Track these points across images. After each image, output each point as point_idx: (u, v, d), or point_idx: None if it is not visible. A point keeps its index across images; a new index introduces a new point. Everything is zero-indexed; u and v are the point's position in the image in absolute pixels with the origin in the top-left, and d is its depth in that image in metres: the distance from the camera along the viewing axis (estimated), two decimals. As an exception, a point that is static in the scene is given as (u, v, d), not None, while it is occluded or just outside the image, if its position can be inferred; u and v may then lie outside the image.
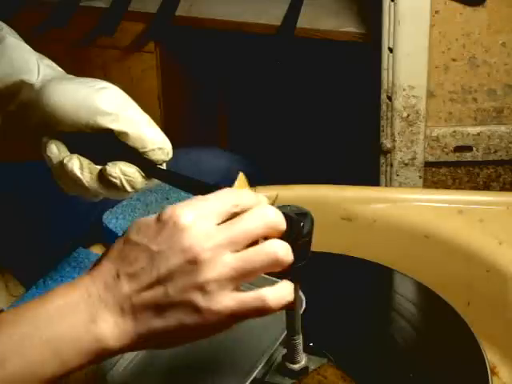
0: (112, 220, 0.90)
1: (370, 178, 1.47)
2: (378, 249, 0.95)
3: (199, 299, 0.60)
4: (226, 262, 0.61)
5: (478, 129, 1.38)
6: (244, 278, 0.63)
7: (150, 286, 0.61)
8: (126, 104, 0.79)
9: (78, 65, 1.63)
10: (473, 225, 0.93)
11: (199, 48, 1.77)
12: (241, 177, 0.71)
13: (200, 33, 1.61)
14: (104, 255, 0.63)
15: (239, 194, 0.64)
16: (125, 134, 0.78)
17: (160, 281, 0.61)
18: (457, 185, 1.45)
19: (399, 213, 0.96)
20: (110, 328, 0.61)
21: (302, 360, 0.77)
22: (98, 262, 0.63)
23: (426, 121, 1.37)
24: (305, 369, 0.77)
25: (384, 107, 1.39)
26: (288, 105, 1.95)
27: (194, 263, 0.60)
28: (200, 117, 1.87)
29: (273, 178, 1.10)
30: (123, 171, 0.78)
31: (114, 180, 0.77)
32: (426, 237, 0.94)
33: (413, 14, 1.29)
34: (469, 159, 1.41)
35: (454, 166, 1.43)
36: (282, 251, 0.62)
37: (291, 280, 0.67)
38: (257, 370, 0.75)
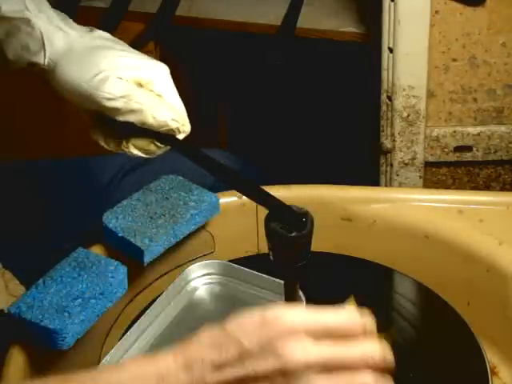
0: (112, 220, 0.90)
1: (370, 178, 1.47)
2: (378, 249, 0.95)
3: None
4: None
5: (478, 129, 1.38)
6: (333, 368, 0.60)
7: (232, 382, 0.59)
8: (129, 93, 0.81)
9: (78, 65, 1.63)
10: (473, 225, 0.93)
11: (199, 48, 1.77)
12: (351, 300, 0.70)
13: (200, 33, 1.61)
14: (196, 336, 0.62)
15: (353, 318, 0.63)
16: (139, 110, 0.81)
17: (244, 379, 0.59)
18: (457, 185, 1.45)
19: (399, 213, 0.96)
20: None
21: (302, 360, 0.77)
22: (187, 341, 0.61)
23: (426, 121, 1.37)
24: (305, 369, 0.77)
25: (384, 107, 1.38)
26: (288, 105, 1.95)
27: (283, 373, 0.58)
28: (200, 117, 1.87)
29: (273, 178, 1.10)
30: (137, 146, 0.81)
31: (132, 153, 0.82)
32: (426, 237, 0.94)
33: (413, 14, 1.29)
34: (469, 159, 1.41)
35: (454, 165, 1.43)
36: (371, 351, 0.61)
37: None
38: (257, 370, 0.75)
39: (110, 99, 0.80)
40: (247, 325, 0.60)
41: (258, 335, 0.59)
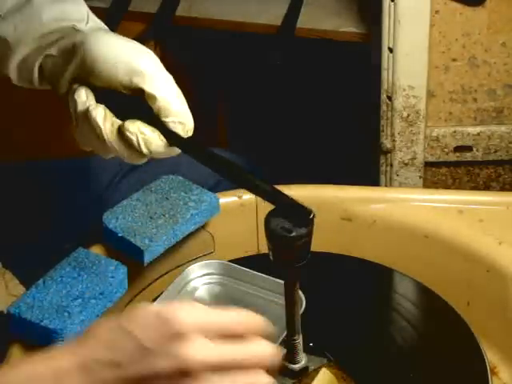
0: (112, 220, 0.90)
1: (370, 178, 1.47)
2: (378, 249, 0.95)
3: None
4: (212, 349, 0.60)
5: (478, 129, 1.38)
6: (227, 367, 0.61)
7: (133, 381, 0.60)
8: (161, 71, 0.81)
9: (78, 65, 1.63)
10: (473, 225, 0.93)
11: (199, 48, 1.77)
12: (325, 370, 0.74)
13: (200, 33, 1.61)
14: (92, 332, 0.61)
15: (243, 317, 0.64)
16: (153, 97, 0.79)
17: (144, 378, 0.59)
18: (457, 185, 1.45)
19: (399, 213, 0.96)
20: None
21: (302, 360, 0.77)
22: (84, 337, 0.61)
23: (426, 121, 1.37)
24: (305, 369, 0.77)
25: (384, 107, 1.38)
26: (288, 105, 1.95)
27: (182, 373, 0.59)
28: (200, 117, 1.87)
29: (273, 178, 1.10)
30: (141, 129, 0.78)
31: (131, 136, 0.78)
32: (426, 237, 0.94)
33: (413, 13, 1.29)
34: (469, 159, 1.41)
35: (454, 165, 1.43)
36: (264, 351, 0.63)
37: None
38: (257, 370, 0.75)
39: (142, 72, 0.79)
40: (144, 322, 0.60)
41: (155, 333, 0.59)
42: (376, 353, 0.82)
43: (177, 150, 0.80)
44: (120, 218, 0.90)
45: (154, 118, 0.79)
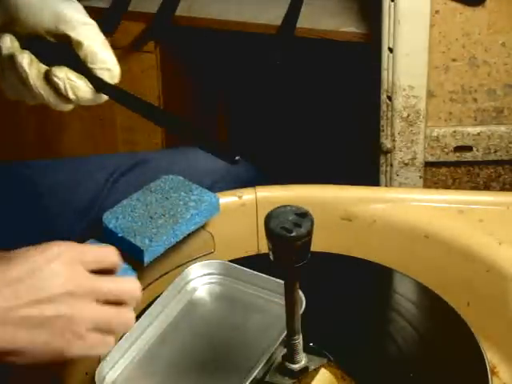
0: (112, 220, 0.90)
1: (370, 178, 1.47)
2: (378, 249, 0.95)
3: (66, 328, 0.67)
4: (97, 308, 0.69)
5: (477, 129, 1.38)
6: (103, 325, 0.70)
7: (29, 305, 0.66)
8: (88, 20, 0.81)
9: (78, 65, 1.63)
10: (473, 225, 0.93)
11: (199, 48, 1.77)
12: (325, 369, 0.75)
13: (200, 33, 1.61)
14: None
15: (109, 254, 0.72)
16: (80, 44, 0.79)
17: (39, 301, 0.66)
18: (457, 185, 1.45)
19: (399, 213, 0.96)
20: None
21: (302, 360, 0.77)
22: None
23: (426, 121, 1.37)
24: (305, 369, 0.77)
25: (384, 107, 1.38)
26: (288, 105, 1.95)
27: (71, 296, 0.67)
28: (200, 117, 1.87)
29: (273, 178, 1.10)
30: (68, 76, 0.78)
31: (58, 81, 0.78)
32: (426, 237, 0.94)
33: (413, 13, 1.29)
34: (469, 159, 1.41)
35: (454, 165, 1.43)
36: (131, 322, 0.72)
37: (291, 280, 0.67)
38: (257, 370, 0.75)
39: (69, 19, 0.79)
40: (30, 252, 0.68)
41: (43, 260, 0.68)
42: (376, 353, 0.82)
43: (104, 97, 0.81)
44: (120, 218, 0.90)
45: (80, 65, 0.79)
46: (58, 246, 0.69)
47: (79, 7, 0.82)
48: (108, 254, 0.72)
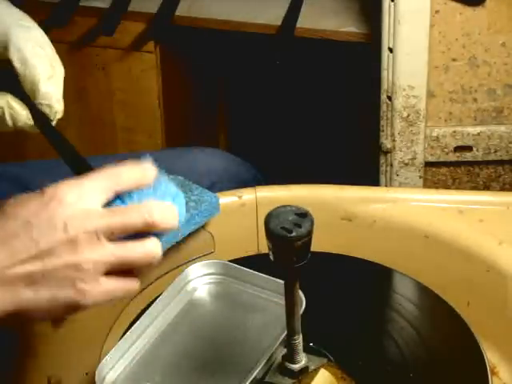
0: None
1: (370, 178, 1.47)
2: (378, 249, 0.95)
3: (75, 277, 0.63)
4: (106, 249, 0.64)
5: (478, 129, 1.38)
6: (119, 267, 0.65)
7: (27, 261, 0.63)
8: (36, 48, 0.79)
9: (77, 65, 1.63)
10: (473, 225, 0.93)
11: (199, 48, 1.77)
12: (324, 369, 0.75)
13: (200, 33, 1.61)
14: None
15: (122, 173, 0.67)
16: (22, 75, 0.77)
17: (38, 255, 0.63)
18: (457, 185, 1.45)
19: (399, 213, 0.96)
20: None
21: (302, 360, 0.77)
22: None
23: (426, 121, 1.37)
24: (305, 369, 0.77)
25: (384, 107, 1.38)
26: (288, 105, 1.95)
27: (73, 243, 0.63)
28: (200, 117, 1.87)
29: (273, 178, 1.10)
30: (10, 104, 0.77)
31: None
32: (426, 237, 0.94)
33: (413, 13, 1.29)
34: (469, 159, 1.41)
35: (454, 165, 1.43)
36: (155, 250, 0.66)
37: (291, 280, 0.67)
38: (257, 370, 0.75)
39: (16, 46, 0.77)
40: (29, 204, 0.64)
41: (42, 212, 0.63)
42: (376, 353, 0.82)
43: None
44: None
45: (24, 96, 0.78)
46: (55, 186, 0.65)
47: (34, 32, 0.79)
48: (113, 183, 0.66)
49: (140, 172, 0.67)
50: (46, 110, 0.78)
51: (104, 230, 0.64)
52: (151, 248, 0.66)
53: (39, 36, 0.80)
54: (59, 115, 0.79)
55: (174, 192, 0.70)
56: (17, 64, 0.77)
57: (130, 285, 0.67)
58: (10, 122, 0.77)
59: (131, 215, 0.65)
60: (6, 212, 0.64)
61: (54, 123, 0.79)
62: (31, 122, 0.78)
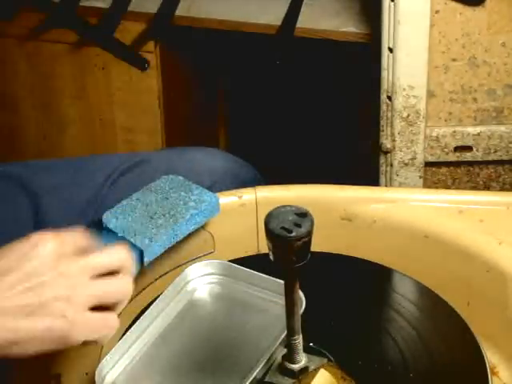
0: (112, 220, 0.90)
1: (370, 178, 1.47)
2: (378, 249, 0.95)
3: (66, 308, 0.69)
4: (94, 284, 0.71)
5: (478, 129, 1.38)
6: (103, 302, 0.72)
7: (24, 292, 0.68)
8: None
9: (78, 65, 1.63)
10: (473, 225, 0.93)
11: (199, 48, 1.77)
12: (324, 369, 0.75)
13: (200, 33, 1.61)
14: None
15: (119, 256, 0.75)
16: None
17: (33, 288, 0.68)
18: (457, 185, 1.45)
19: (399, 213, 0.96)
20: None
21: (302, 360, 0.77)
22: None
23: (425, 121, 1.37)
24: (305, 369, 0.77)
25: (384, 107, 1.38)
26: (288, 105, 1.95)
27: (65, 277, 0.69)
28: (200, 117, 1.87)
29: (273, 178, 1.10)
30: None
31: None
32: (426, 237, 0.94)
33: (413, 14, 1.29)
34: (469, 159, 1.41)
35: (454, 165, 1.43)
36: (130, 286, 0.75)
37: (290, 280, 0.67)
38: (257, 370, 0.75)
39: None
40: (20, 248, 0.70)
41: (33, 253, 0.70)
42: (376, 353, 0.82)
43: None
44: (120, 218, 0.90)
45: None
46: (40, 233, 0.71)
47: None
48: (80, 239, 0.74)
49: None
50: None
51: (91, 267, 0.71)
52: (127, 283, 0.74)
53: None
54: None
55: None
56: None
57: (113, 319, 0.72)
58: None
59: (111, 256, 0.74)
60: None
61: None
62: None
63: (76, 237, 0.74)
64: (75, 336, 0.69)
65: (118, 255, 0.74)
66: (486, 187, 1.44)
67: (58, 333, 0.68)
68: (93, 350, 0.83)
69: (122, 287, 0.73)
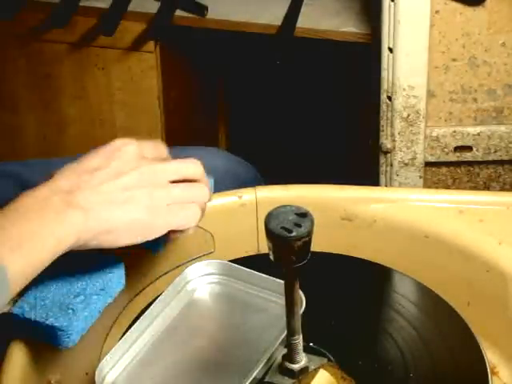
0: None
1: (370, 178, 1.47)
2: (378, 249, 0.95)
3: (148, 199, 0.76)
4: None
5: (478, 129, 1.38)
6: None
7: (111, 186, 0.75)
8: None
9: (78, 65, 1.63)
10: (473, 225, 0.93)
11: (199, 48, 1.77)
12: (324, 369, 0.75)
13: (200, 33, 1.61)
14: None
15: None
16: None
17: (118, 183, 0.76)
18: (457, 185, 1.45)
19: (399, 213, 0.96)
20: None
21: (302, 360, 0.77)
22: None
23: (425, 121, 1.37)
24: (305, 369, 0.77)
25: (384, 107, 1.38)
26: (288, 105, 1.95)
27: (145, 174, 0.77)
28: (200, 117, 1.87)
29: (273, 178, 1.10)
30: None
31: None
32: (426, 237, 0.94)
33: (413, 14, 1.29)
34: (469, 159, 1.41)
35: (454, 165, 1.43)
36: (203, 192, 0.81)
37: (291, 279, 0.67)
38: (257, 370, 0.75)
39: None
40: (103, 153, 0.78)
41: (118, 153, 0.78)
42: (376, 353, 0.82)
43: None
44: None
45: None
46: (123, 139, 0.79)
47: None
48: (159, 148, 0.81)
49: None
50: None
51: (169, 171, 0.79)
52: (203, 188, 0.81)
53: None
54: None
55: None
56: None
57: (194, 209, 0.79)
58: None
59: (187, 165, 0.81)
60: (83, 156, 0.78)
61: None
62: None
63: (155, 145, 0.81)
64: (159, 225, 0.76)
65: (194, 165, 0.80)
66: (486, 187, 1.44)
67: (143, 222, 0.75)
68: (93, 350, 0.83)
69: (199, 190, 0.79)
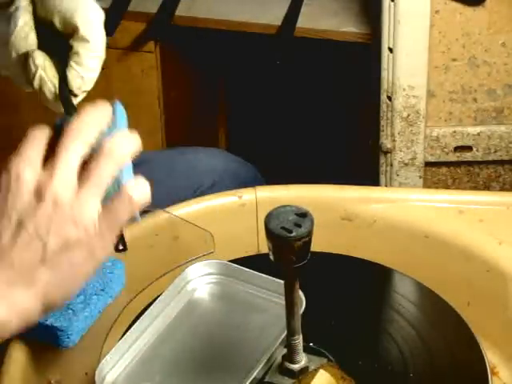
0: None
1: (370, 178, 1.47)
2: (378, 249, 0.95)
3: (74, 232, 0.63)
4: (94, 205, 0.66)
5: (477, 129, 1.38)
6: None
7: (28, 244, 0.63)
8: (101, 29, 0.82)
9: (78, 65, 1.63)
10: (473, 225, 0.93)
11: (199, 48, 1.77)
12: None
13: (200, 33, 1.61)
14: None
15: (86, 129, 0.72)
16: (86, 40, 0.79)
17: (38, 236, 0.63)
18: (457, 185, 1.45)
19: (399, 213, 0.96)
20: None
21: (302, 360, 0.77)
22: None
23: (425, 121, 1.38)
24: (305, 369, 0.77)
25: (384, 107, 1.39)
26: (288, 105, 1.95)
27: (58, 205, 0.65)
28: (200, 117, 1.87)
29: (273, 178, 1.10)
30: (46, 65, 0.77)
31: (31, 65, 0.76)
32: (426, 237, 0.94)
33: (413, 14, 1.29)
34: (469, 159, 1.41)
35: (454, 165, 1.43)
36: (137, 194, 0.69)
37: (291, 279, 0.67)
38: (257, 370, 0.75)
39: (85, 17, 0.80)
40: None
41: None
42: (376, 353, 0.82)
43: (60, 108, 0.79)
44: None
45: (64, 73, 0.77)
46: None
47: (100, 18, 0.82)
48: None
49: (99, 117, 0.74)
50: (77, 81, 0.79)
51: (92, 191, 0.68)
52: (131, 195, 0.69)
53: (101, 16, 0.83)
54: (83, 93, 0.81)
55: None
56: (83, 32, 0.78)
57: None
58: (36, 83, 0.77)
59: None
60: None
61: (76, 101, 0.81)
62: (55, 94, 0.78)
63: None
64: (103, 249, 0.65)
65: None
66: (486, 187, 1.44)
67: (83, 261, 0.64)
68: (93, 350, 0.83)
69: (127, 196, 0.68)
